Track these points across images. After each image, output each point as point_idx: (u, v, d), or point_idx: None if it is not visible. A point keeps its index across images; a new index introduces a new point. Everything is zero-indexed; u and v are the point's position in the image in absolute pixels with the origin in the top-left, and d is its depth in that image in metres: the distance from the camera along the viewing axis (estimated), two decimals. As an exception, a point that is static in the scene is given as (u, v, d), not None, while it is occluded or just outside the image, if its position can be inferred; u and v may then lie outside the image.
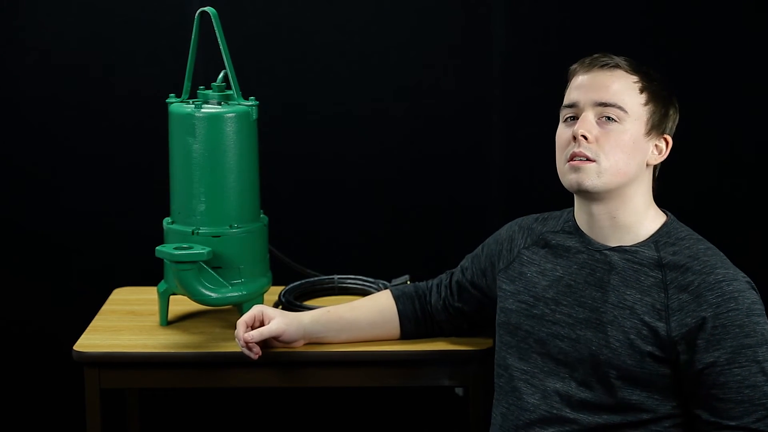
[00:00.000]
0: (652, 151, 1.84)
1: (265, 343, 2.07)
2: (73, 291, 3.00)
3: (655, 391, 1.77)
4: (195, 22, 2.22)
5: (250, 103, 2.20)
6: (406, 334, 2.15)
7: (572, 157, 1.80)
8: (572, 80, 1.86)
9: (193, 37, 2.23)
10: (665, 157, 1.86)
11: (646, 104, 1.82)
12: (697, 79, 2.93)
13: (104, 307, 2.37)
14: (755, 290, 1.78)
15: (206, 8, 2.19)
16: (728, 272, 1.77)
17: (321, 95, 2.96)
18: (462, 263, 2.14)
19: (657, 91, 1.84)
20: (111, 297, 2.45)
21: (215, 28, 2.18)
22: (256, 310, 2.08)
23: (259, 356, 2.05)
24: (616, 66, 1.83)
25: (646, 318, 1.77)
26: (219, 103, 2.18)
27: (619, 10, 2.92)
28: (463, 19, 2.95)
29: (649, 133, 1.83)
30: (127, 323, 2.26)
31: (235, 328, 2.06)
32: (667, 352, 1.75)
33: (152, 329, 2.23)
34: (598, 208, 1.84)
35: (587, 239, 1.87)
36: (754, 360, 1.72)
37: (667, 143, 1.86)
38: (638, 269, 1.81)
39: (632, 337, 1.77)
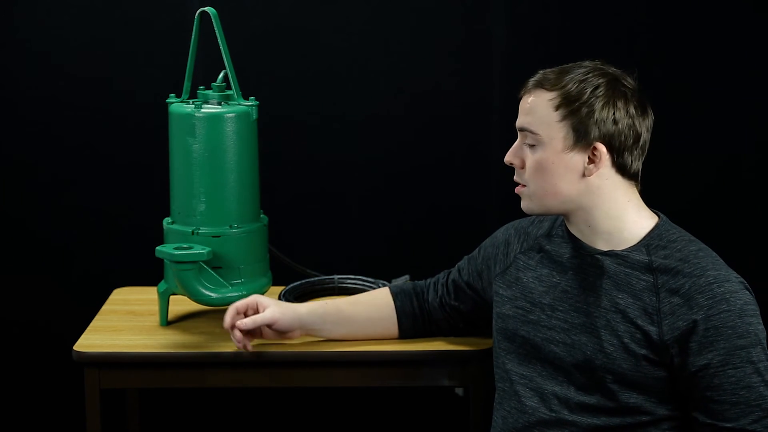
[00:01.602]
0: (586, 164, 1.80)
1: (261, 334, 2.08)
2: (73, 291, 3.00)
3: (652, 394, 1.77)
4: (195, 22, 2.22)
5: (250, 103, 2.20)
6: (403, 332, 2.15)
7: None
8: None
9: (193, 37, 2.23)
10: (604, 163, 1.79)
11: (562, 120, 1.79)
12: (696, 79, 2.93)
13: (104, 307, 2.37)
14: (749, 291, 1.77)
15: (206, 8, 2.20)
16: (719, 273, 1.76)
17: (321, 95, 2.96)
18: (459, 264, 2.14)
19: (576, 101, 1.78)
20: (111, 297, 2.45)
21: (215, 28, 2.18)
22: (250, 299, 2.08)
23: (247, 349, 2.05)
24: (537, 85, 1.83)
25: (639, 321, 1.77)
26: (219, 103, 2.18)
27: (618, 10, 2.92)
28: (463, 19, 2.95)
29: (572, 147, 1.79)
30: (127, 323, 2.26)
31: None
32: (661, 355, 1.75)
33: (152, 329, 2.23)
34: (570, 219, 1.86)
35: (579, 244, 1.87)
36: (748, 361, 1.71)
37: (599, 152, 1.78)
38: (629, 273, 1.80)
39: (626, 341, 1.77)
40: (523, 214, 2.06)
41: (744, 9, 2.91)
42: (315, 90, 2.96)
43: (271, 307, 2.07)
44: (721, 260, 1.80)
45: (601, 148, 1.79)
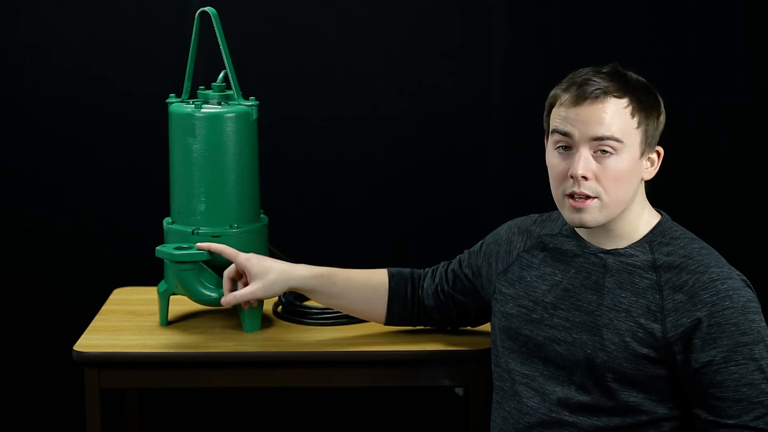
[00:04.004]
0: (646, 167, 1.83)
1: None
2: (73, 291, 3.00)
3: (652, 393, 1.77)
4: (195, 22, 2.22)
5: (250, 103, 2.20)
6: (391, 315, 2.13)
7: (572, 195, 1.79)
8: (560, 107, 1.80)
9: (193, 37, 2.23)
10: (658, 168, 1.84)
11: (638, 126, 1.79)
12: (696, 79, 2.93)
13: (104, 307, 2.37)
14: (751, 288, 1.77)
15: (206, 8, 2.20)
16: (723, 271, 1.77)
17: (321, 95, 2.96)
18: (460, 256, 2.13)
19: (646, 107, 1.80)
20: (111, 297, 2.45)
21: (215, 28, 2.18)
22: (239, 264, 2.09)
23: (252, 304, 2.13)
24: (605, 93, 1.77)
25: (642, 320, 1.77)
26: (219, 103, 2.18)
27: (618, 10, 2.92)
28: (463, 19, 2.95)
29: (643, 153, 1.81)
30: (127, 323, 2.26)
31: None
32: (663, 353, 1.75)
33: (152, 329, 2.23)
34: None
35: (583, 243, 1.87)
36: (751, 358, 1.72)
37: (658, 155, 1.84)
38: (632, 271, 1.81)
39: (627, 339, 1.77)
40: (523, 212, 2.06)
41: (743, 9, 2.91)
42: (315, 90, 2.96)
43: (254, 285, 2.08)
44: (723, 258, 1.81)
45: (661, 151, 1.84)
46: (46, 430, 3.10)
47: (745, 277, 1.79)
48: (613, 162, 1.77)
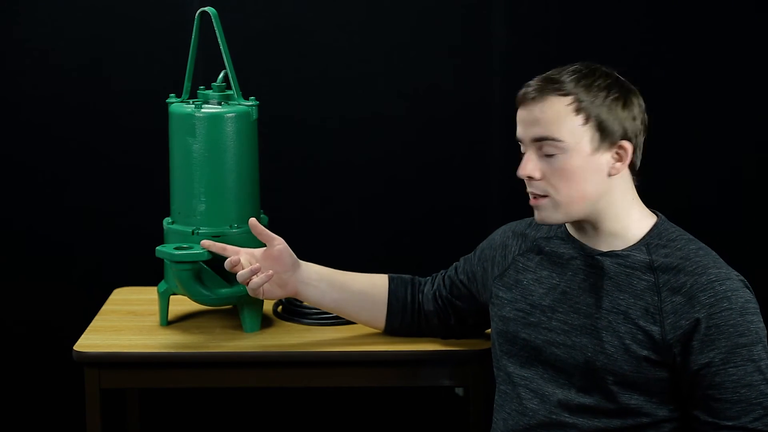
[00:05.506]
0: (611, 163, 1.79)
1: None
2: (73, 291, 3.00)
3: (653, 395, 1.77)
4: (195, 22, 2.22)
5: (250, 103, 2.20)
6: (391, 317, 2.13)
7: (530, 195, 1.81)
8: (517, 110, 1.83)
9: (193, 37, 2.23)
10: (630, 160, 1.80)
11: (585, 123, 1.77)
12: (696, 79, 2.93)
13: (104, 307, 2.37)
14: (749, 289, 1.77)
15: (206, 8, 2.20)
16: (721, 272, 1.76)
17: (321, 95, 2.96)
18: (456, 263, 2.14)
19: (600, 102, 1.77)
20: (111, 297, 2.45)
21: (215, 28, 2.18)
22: (262, 231, 2.07)
23: (269, 276, 2.04)
24: (542, 92, 1.77)
25: (641, 322, 1.76)
26: (219, 103, 2.19)
27: (618, 10, 2.92)
28: (463, 19, 2.95)
29: (598, 149, 1.77)
30: (127, 323, 2.26)
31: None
32: (663, 355, 1.75)
33: (152, 329, 2.23)
34: (580, 222, 1.84)
35: (579, 245, 1.87)
36: (749, 359, 1.71)
37: (625, 149, 1.79)
38: (630, 273, 1.80)
39: (627, 342, 1.77)
40: (521, 215, 2.06)
41: (744, 9, 2.91)
42: (315, 90, 2.96)
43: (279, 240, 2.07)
44: (721, 259, 1.80)
45: (627, 145, 1.79)
46: (46, 430, 3.10)
47: (743, 278, 1.78)
48: (558, 161, 1.78)
